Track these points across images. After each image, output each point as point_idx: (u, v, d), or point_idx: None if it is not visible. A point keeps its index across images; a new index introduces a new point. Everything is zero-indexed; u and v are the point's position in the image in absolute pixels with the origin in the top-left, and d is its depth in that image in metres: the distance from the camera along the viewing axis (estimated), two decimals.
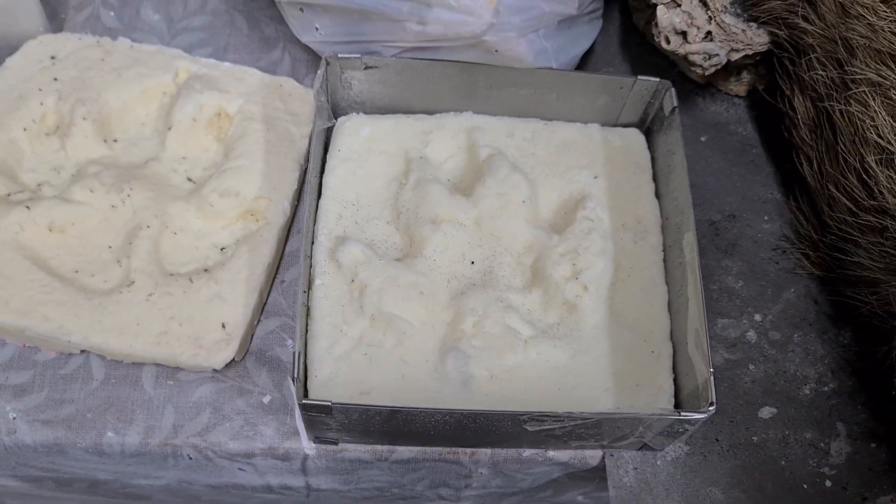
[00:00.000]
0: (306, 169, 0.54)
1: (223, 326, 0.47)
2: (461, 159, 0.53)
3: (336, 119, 0.53)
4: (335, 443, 0.46)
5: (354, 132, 0.52)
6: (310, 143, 0.53)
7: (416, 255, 0.49)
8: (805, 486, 0.47)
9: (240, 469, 0.48)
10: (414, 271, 0.48)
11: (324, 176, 0.51)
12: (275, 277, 0.51)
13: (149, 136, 0.53)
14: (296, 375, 0.41)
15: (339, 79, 0.51)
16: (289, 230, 0.52)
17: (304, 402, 0.40)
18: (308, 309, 0.46)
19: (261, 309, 0.50)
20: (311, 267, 0.47)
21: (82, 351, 0.47)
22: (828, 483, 0.48)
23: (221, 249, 0.50)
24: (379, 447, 0.47)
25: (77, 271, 0.48)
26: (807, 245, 0.52)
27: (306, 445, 0.46)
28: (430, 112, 0.54)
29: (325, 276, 0.47)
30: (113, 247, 0.49)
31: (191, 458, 0.47)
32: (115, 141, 0.53)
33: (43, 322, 0.45)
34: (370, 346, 0.46)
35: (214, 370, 0.47)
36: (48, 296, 0.46)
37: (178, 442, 0.46)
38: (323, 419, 0.42)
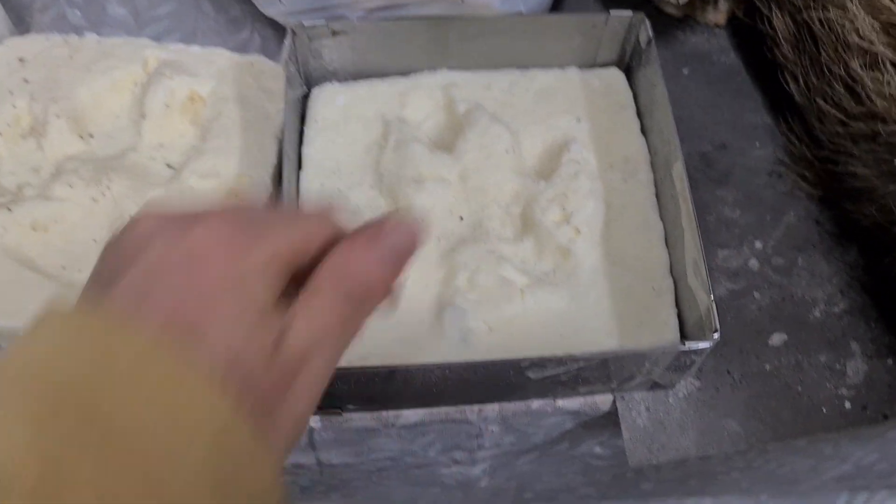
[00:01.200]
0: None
1: None
2: (440, 117, 0.52)
3: (310, 90, 0.52)
4: (339, 412, 0.46)
5: (330, 101, 0.52)
6: (289, 121, 0.52)
7: None
8: (824, 410, 0.46)
9: None
10: None
11: (303, 147, 0.50)
12: None
13: (124, 127, 0.53)
14: None
15: (309, 49, 0.50)
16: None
17: None
18: None
19: None
20: None
21: None
22: (847, 405, 0.46)
23: None
24: (384, 413, 0.46)
25: (64, 268, 0.47)
26: (802, 165, 0.50)
27: (310, 419, 0.46)
28: (405, 73, 0.53)
29: None
30: (98, 240, 0.48)
31: None
32: (91, 136, 0.52)
33: None
34: None
35: None
36: (37, 294, 0.45)
37: None
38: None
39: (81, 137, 0.52)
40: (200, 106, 0.53)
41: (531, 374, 0.41)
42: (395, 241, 0.30)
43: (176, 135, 0.52)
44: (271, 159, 0.51)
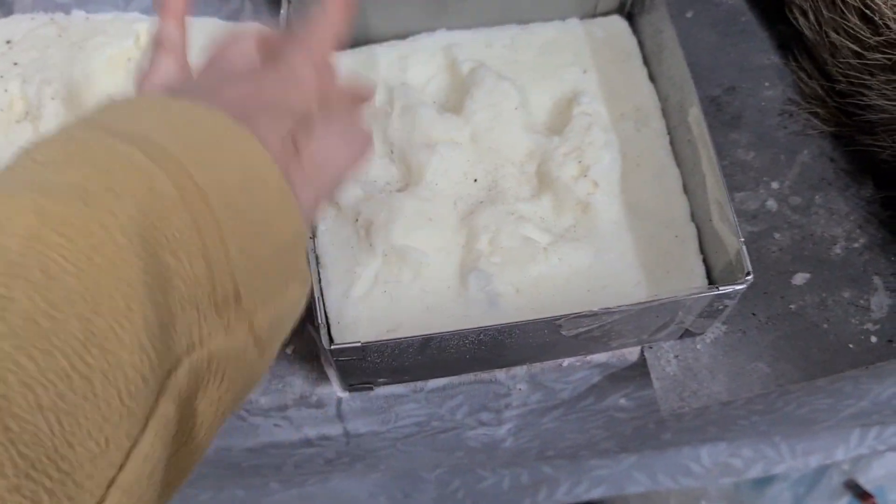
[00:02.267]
0: None
1: None
2: (443, 79, 0.51)
3: None
4: (370, 388, 0.45)
5: None
6: None
7: (417, 183, 0.47)
8: (851, 346, 0.46)
9: (275, 425, 0.47)
10: (418, 198, 0.46)
11: None
12: None
13: None
14: (320, 321, 0.39)
15: (304, 17, 0.49)
16: None
17: (333, 346, 0.38)
18: (317, 257, 0.44)
19: None
20: None
21: None
22: (873, 339, 0.46)
23: None
24: None
25: None
26: (815, 103, 0.50)
27: (338, 390, 0.45)
28: (403, 37, 0.52)
29: (326, 220, 0.45)
30: None
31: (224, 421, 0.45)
32: None
33: None
34: (388, 283, 0.44)
35: None
36: None
37: None
38: (356, 363, 0.40)
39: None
40: None
41: (565, 332, 0.41)
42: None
43: None
44: None
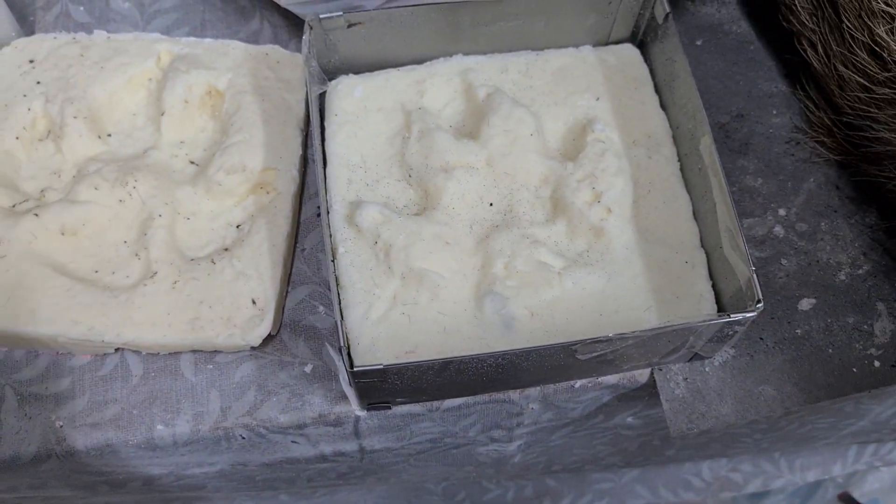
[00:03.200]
0: (307, 134, 0.53)
1: (254, 302, 0.46)
2: (459, 103, 0.52)
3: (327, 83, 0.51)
4: (388, 407, 0.46)
5: (348, 94, 0.51)
6: (307, 109, 0.52)
7: (434, 207, 0.48)
8: (855, 370, 0.48)
9: (293, 442, 0.48)
10: (435, 222, 0.47)
11: (325, 143, 0.50)
12: (295, 246, 0.50)
13: (142, 125, 0.52)
14: (342, 343, 0.40)
15: (325, 42, 0.50)
16: (301, 197, 0.51)
17: (355, 369, 0.39)
18: (336, 278, 0.45)
19: (287, 279, 0.49)
20: (330, 236, 0.46)
21: (117, 350, 0.47)
22: (876, 363, 0.48)
23: (237, 227, 0.49)
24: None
25: (97, 271, 0.47)
26: (821, 132, 0.51)
27: (357, 409, 0.46)
28: (420, 61, 0.53)
29: (346, 242, 0.46)
30: (128, 241, 0.48)
31: (243, 438, 0.46)
32: (110, 135, 0.52)
33: (73, 326, 0.45)
34: (406, 305, 0.45)
35: (252, 348, 0.46)
36: (73, 300, 0.45)
37: (229, 424, 0.45)
38: (375, 384, 0.42)
39: (100, 138, 0.51)
40: (218, 100, 0.52)
41: (580, 356, 0.42)
42: None
43: (196, 130, 0.52)
44: (296, 150, 0.51)
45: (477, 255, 0.47)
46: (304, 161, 0.52)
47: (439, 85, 0.52)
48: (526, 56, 0.53)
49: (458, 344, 0.44)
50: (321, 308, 0.48)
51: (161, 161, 0.50)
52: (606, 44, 0.53)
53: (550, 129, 0.51)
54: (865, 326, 0.48)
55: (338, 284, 0.45)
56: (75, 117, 0.50)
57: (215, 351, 0.47)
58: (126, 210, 0.48)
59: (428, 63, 0.52)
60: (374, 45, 0.51)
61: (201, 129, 0.52)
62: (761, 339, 0.48)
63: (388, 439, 0.50)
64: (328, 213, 0.47)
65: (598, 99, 0.51)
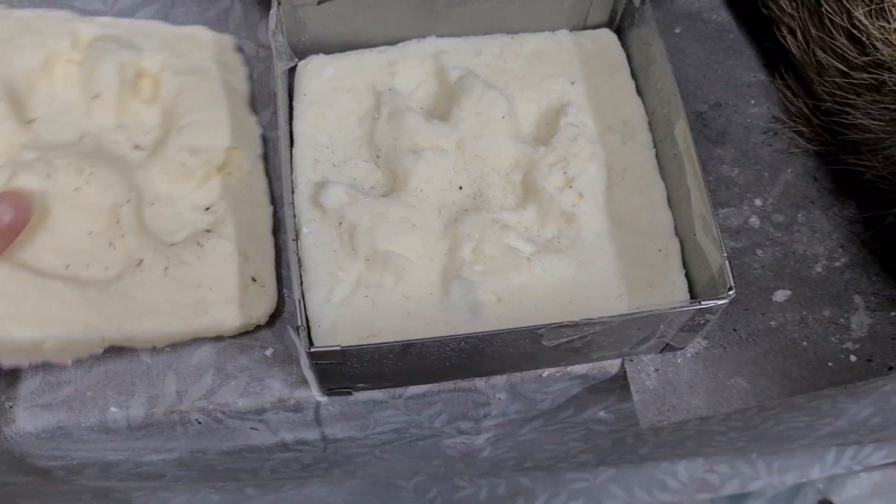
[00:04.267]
0: (258, 115, 0.51)
1: (254, 280, 0.45)
2: (431, 85, 0.51)
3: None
4: (349, 393, 0.45)
5: (317, 74, 0.50)
6: (251, 91, 0.51)
7: (402, 189, 0.46)
8: (830, 364, 0.47)
9: (252, 428, 0.47)
10: (402, 204, 0.46)
11: (293, 123, 0.48)
12: None
13: (65, 110, 0.49)
14: (300, 323, 0.39)
15: (294, 19, 0.48)
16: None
17: (312, 350, 0.38)
18: (299, 259, 0.44)
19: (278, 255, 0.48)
20: (294, 216, 0.45)
21: (106, 350, 0.43)
22: (852, 358, 0.47)
23: (206, 209, 0.47)
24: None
25: (68, 266, 0.44)
26: (799, 121, 0.50)
27: (317, 394, 0.45)
28: (392, 42, 0.51)
29: (310, 223, 0.45)
30: (94, 231, 0.45)
31: (199, 423, 0.45)
32: (32, 121, 0.48)
33: (65, 326, 0.42)
34: (370, 288, 0.44)
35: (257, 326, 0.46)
36: (58, 299, 0.42)
37: (184, 408, 0.44)
38: (335, 367, 0.40)
39: (22, 124, 0.47)
40: (148, 82, 0.50)
41: (546, 342, 0.41)
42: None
43: (131, 114, 0.49)
44: (254, 128, 0.50)
45: (445, 239, 0.45)
46: (264, 142, 0.51)
47: (411, 66, 0.51)
48: (501, 39, 0.52)
49: (423, 329, 0.43)
50: (284, 290, 0.47)
51: (103, 147, 0.48)
52: (583, 28, 0.52)
53: (523, 113, 0.50)
54: (842, 320, 0.47)
55: (300, 266, 0.44)
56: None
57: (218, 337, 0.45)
58: (83, 198, 0.45)
59: (400, 44, 0.51)
60: (346, 24, 0.50)
61: (135, 112, 0.49)
62: (734, 330, 0.47)
63: (351, 428, 0.49)
64: (292, 192, 0.46)
65: (573, 83, 0.50)
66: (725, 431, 0.61)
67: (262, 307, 0.45)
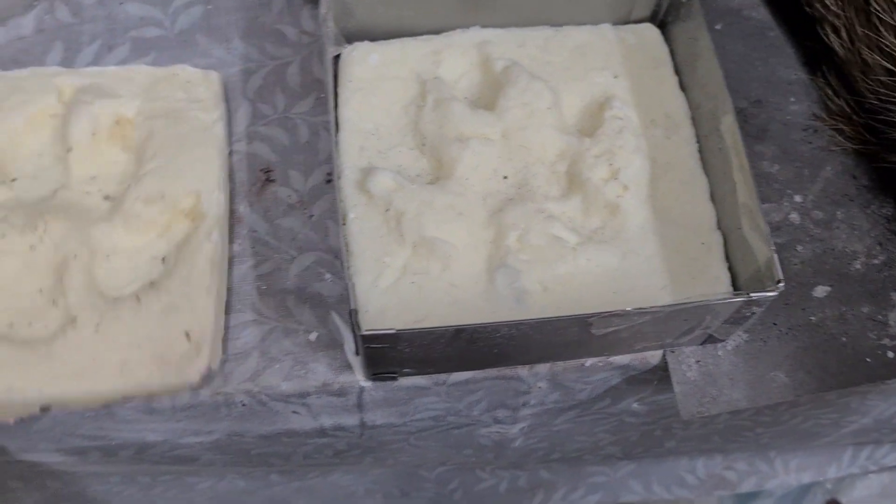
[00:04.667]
0: (228, 153, 0.50)
1: (187, 336, 0.43)
2: (475, 75, 0.51)
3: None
4: (394, 378, 0.45)
5: (362, 60, 0.50)
6: (227, 129, 0.51)
7: (448, 177, 0.47)
8: (868, 360, 0.47)
9: (294, 412, 0.47)
10: (448, 192, 0.46)
11: (338, 109, 0.49)
12: (231, 271, 0.48)
13: (48, 165, 0.48)
14: (353, 306, 0.39)
15: (342, 6, 0.49)
16: (231, 219, 0.49)
17: (365, 332, 0.38)
18: (347, 244, 0.44)
19: (224, 306, 0.46)
20: (341, 202, 0.45)
21: (43, 409, 0.43)
22: (889, 354, 0.47)
23: (163, 260, 0.46)
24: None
25: (11, 325, 0.43)
26: (840, 120, 0.51)
27: (362, 379, 0.45)
28: (436, 31, 0.52)
29: (357, 208, 0.45)
30: (43, 289, 0.44)
31: (244, 405, 0.45)
32: (14, 180, 0.48)
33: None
34: (416, 275, 0.44)
35: (190, 387, 0.44)
36: None
37: (230, 389, 0.44)
38: (384, 351, 0.40)
39: (3, 183, 0.47)
40: (129, 129, 0.49)
41: (595, 331, 0.41)
42: None
43: (108, 164, 0.48)
44: (217, 171, 0.48)
45: (490, 227, 0.46)
46: (229, 182, 0.50)
47: (456, 56, 0.51)
48: (545, 31, 0.52)
49: (468, 316, 0.43)
50: (328, 276, 0.47)
51: (72, 200, 0.47)
52: (626, 22, 0.53)
53: (567, 105, 0.50)
54: (880, 316, 0.48)
55: (348, 251, 0.44)
56: None
57: (150, 397, 0.44)
58: (38, 256, 0.45)
59: (445, 33, 0.51)
60: (392, 12, 0.50)
61: (113, 161, 0.48)
62: (775, 324, 0.47)
63: (391, 414, 0.49)
64: (339, 178, 0.46)
65: (616, 77, 0.51)
66: (753, 427, 0.61)
67: (193, 366, 0.43)
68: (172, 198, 0.46)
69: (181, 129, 0.49)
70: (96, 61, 0.52)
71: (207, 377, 0.44)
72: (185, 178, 0.47)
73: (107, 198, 0.47)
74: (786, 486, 0.83)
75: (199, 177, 0.47)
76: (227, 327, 0.46)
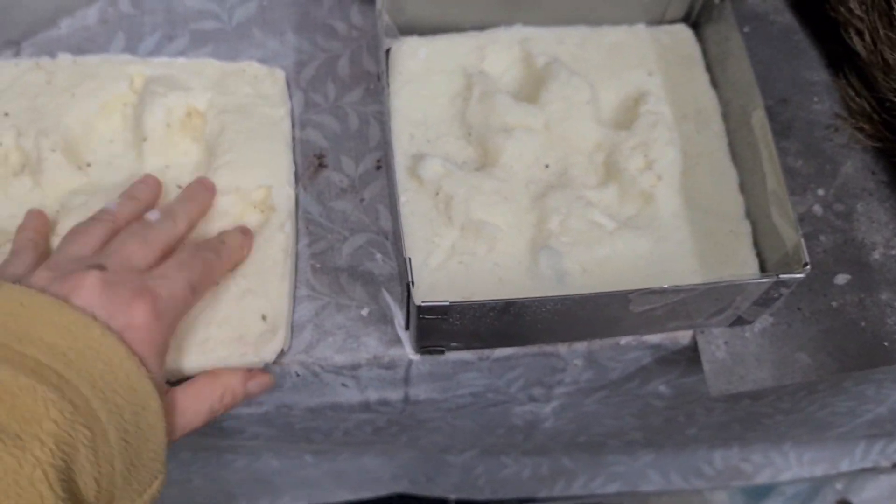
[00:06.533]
0: (294, 149, 0.52)
1: (264, 318, 0.46)
2: (518, 70, 0.54)
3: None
4: (441, 351, 0.48)
5: (412, 54, 0.53)
6: (293, 123, 0.53)
7: (494, 164, 0.50)
8: (885, 344, 0.50)
9: (343, 385, 0.50)
10: (494, 178, 0.49)
11: (389, 99, 0.52)
12: (297, 264, 0.50)
13: (121, 152, 0.51)
14: (410, 279, 0.42)
15: (394, 1, 0.52)
16: (297, 213, 0.51)
17: (421, 304, 0.41)
18: (400, 225, 0.47)
19: (293, 293, 0.48)
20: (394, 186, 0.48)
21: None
22: None
23: None
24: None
25: None
26: (861, 119, 0.54)
27: (410, 352, 0.47)
28: (480, 28, 0.55)
29: (408, 192, 0.48)
30: None
31: (298, 376, 0.48)
32: (89, 165, 0.50)
33: None
34: (464, 255, 0.47)
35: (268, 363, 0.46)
36: None
37: (286, 360, 0.47)
38: (436, 322, 0.43)
39: (80, 168, 0.50)
40: (199, 121, 0.52)
41: (633, 307, 0.44)
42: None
43: (180, 154, 0.51)
44: (287, 165, 0.51)
45: (533, 211, 0.49)
46: (296, 177, 0.52)
47: (499, 51, 0.54)
48: (582, 30, 0.55)
49: (512, 294, 0.46)
50: (378, 255, 0.50)
51: None
52: (660, 23, 0.56)
53: (604, 100, 0.53)
54: None
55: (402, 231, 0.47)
56: (53, 150, 0.49)
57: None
58: None
59: (489, 30, 0.54)
60: (439, 8, 0.53)
61: (185, 152, 0.51)
62: (799, 308, 0.50)
63: (434, 389, 0.52)
64: (392, 164, 0.49)
65: (650, 74, 0.54)
66: (772, 414, 0.64)
67: (269, 346, 0.45)
68: (245, 190, 0.49)
69: (251, 123, 0.51)
70: (157, 51, 0.55)
71: (280, 356, 0.46)
72: (256, 171, 0.50)
73: (180, 187, 0.50)
74: (799, 478, 0.85)
75: (269, 171, 0.50)
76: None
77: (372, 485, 0.78)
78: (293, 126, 0.54)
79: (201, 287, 0.43)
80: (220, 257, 0.45)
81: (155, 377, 0.38)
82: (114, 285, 0.39)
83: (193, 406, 0.42)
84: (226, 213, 0.49)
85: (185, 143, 0.51)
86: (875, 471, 0.90)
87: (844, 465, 0.83)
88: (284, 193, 0.50)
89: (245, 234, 0.47)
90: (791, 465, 0.82)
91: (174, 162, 0.51)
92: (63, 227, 0.46)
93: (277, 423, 0.56)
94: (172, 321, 0.41)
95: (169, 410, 0.40)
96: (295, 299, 0.49)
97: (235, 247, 0.46)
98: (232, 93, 0.52)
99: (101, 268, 0.39)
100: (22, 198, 0.48)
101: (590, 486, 0.81)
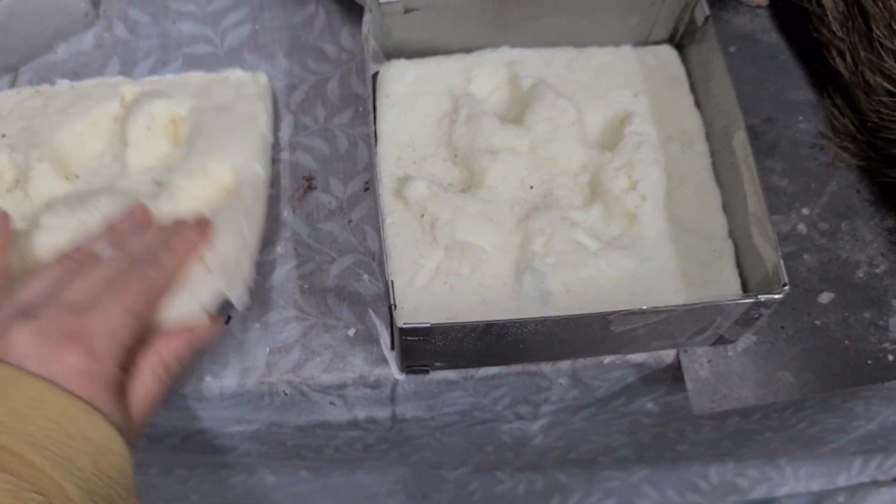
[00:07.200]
0: (276, 138, 0.54)
1: (207, 267, 0.45)
2: (504, 92, 0.55)
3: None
4: (426, 371, 0.48)
5: (399, 77, 0.54)
6: (274, 117, 0.55)
7: (479, 186, 0.50)
8: (869, 362, 0.50)
9: (331, 403, 0.50)
10: (479, 200, 0.49)
11: (376, 122, 0.52)
12: (262, 238, 0.51)
13: (109, 163, 0.53)
14: (392, 301, 0.42)
15: (381, 25, 0.53)
16: (267, 189, 0.52)
17: (403, 325, 0.42)
18: (385, 247, 0.48)
19: (252, 257, 0.48)
20: (380, 207, 0.49)
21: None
22: (890, 357, 0.50)
23: None
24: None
25: None
26: (845, 138, 0.54)
27: (396, 372, 0.48)
28: (468, 50, 0.55)
29: (393, 214, 0.49)
30: None
31: (286, 395, 0.49)
32: (78, 177, 0.52)
33: None
34: (448, 275, 0.48)
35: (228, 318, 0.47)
36: None
37: (274, 379, 0.48)
38: (419, 343, 0.44)
39: (67, 179, 0.52)
40: (182, 126, 0.53)
41: (614, 328, 0.44)
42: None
43: (160, 156, 0.52)
44: (262, 148, 0.52)
45: (517, 232, 0.49)
46: (271, 161, 0.53)
47: (486, 74, 0.55)
48: (569, 52, 0.56)
49: (496, 315, 0.46)
50: (365, 276, 0.51)
51: (127, 188, 0.50)
52: (646, 44, 0.56)
53: (590, 121, 0.54)
54: (881, 322, 0.51)
55: (386, 253, 0.48)
56: (40, 160, 0.51)
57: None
58: (88, 231, 0.47)
59: (476, 52, 0.55)
60: (427, 32, 0.54)
61: (166, 155, 0.52)
62: (782, 327, 0.50)
63: (421, 407, 0.52)
64: (378, 186, 0.49)
65: (636, 95, 0.54)
66: (762, 431, 0.64)
67: (207, 289, 0.44)
68: (214, 172, 0.50)
69: (228, 117, 0.53)
70: (151, 75, 0.56)
71: (225, 308, 0.46)
72: (226, 154, 0.51)
73: (158, 184, 0.51)
74: (796, 493, 0.85)
75: (241, 154, 0.51)
76: (270, 323, 0.49)
77: (367, 501, 0.79)
78: (276, 126, 0.55)
79: (144, 308, 0.41)
80: (161, 269, 0.43)
81: (112, 416, 0.37)
82: (45, 333, 0.37)
83: (144, 397, 0.40)
84: (195, 197, 0.49)
85: (166, 146, 0.53)
86: (876, 484, 0.90)
87: (841, 481, 0.83)
88: (254, 174, 0.50)
89: (201, 225, 0.46)
90: (787, 480, 0.82)
91: (154, 164, 0.52)
92: (38, 222, 0.47)
93: (269, 440, 0.56)
94: (117, 352, 0.39)
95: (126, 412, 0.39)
96: (270, 314, 0.49)
97: (181, 250, 0.44)
98: (214, 97, 0.54)
99: (33, 317, 0.38)
100: (15, 210, 0.49)
101: (585, 502, 0.81)
